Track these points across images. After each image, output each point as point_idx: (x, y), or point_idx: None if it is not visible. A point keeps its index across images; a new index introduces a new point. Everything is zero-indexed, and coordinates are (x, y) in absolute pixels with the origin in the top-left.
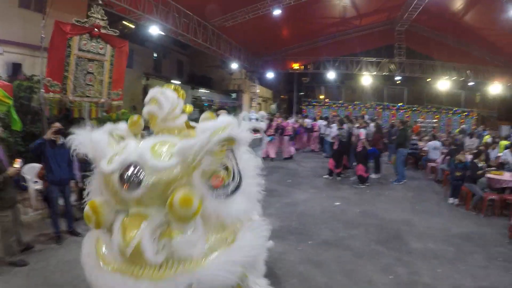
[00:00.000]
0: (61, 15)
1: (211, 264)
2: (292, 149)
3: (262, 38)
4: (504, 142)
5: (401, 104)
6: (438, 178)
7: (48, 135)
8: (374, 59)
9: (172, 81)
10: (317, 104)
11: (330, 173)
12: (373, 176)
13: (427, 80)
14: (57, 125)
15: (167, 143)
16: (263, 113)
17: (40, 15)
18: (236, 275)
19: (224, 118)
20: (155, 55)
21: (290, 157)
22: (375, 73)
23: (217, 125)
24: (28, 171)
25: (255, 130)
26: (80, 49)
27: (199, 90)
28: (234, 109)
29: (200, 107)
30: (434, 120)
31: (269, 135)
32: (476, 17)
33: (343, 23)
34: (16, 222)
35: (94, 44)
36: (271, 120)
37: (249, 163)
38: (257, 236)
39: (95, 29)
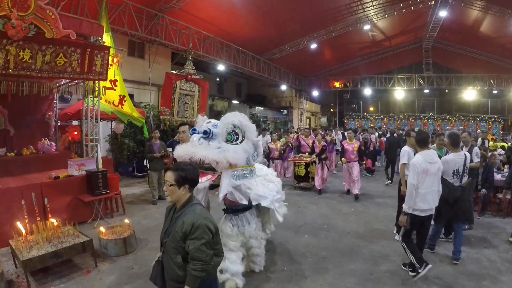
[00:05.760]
0: (156, 59)
1: None
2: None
3: (306, 63)
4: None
5: (431, 114)
6: None
7: (176, 136)
8: (404, 75)
9: (233, 101)
10: (356, 117)
11: None
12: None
13: (458, 91)
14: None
15: None
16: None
17: (141, 60)
18: None
19: None
20: (217, 79)
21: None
22: (405, 87)
23: None
24: None
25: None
26: (180, 89)
27: (256, 108)
28: (285, 123)
29: (256, 122)
30: (461, 128)
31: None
32: (491, 28)
33: (375, 45)
34: (159, 180)
35: (188, 85)
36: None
37: None
38: None
39: (189, 76)
